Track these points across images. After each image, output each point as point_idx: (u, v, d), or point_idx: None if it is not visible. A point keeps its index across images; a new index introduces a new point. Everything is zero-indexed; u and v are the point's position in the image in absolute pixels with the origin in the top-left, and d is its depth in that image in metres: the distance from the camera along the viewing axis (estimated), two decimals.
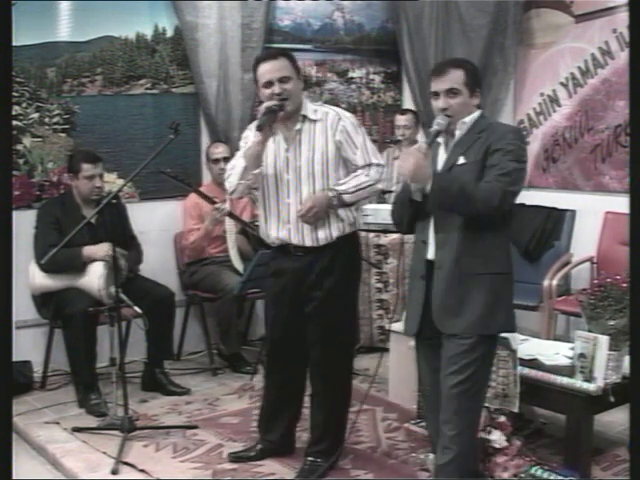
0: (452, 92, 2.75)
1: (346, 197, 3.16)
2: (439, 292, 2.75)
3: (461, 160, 2.74)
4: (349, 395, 3.46)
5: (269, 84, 3.13)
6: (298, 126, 3.19)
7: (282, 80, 3.12)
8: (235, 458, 3.49)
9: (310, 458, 3.36)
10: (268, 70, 3.13)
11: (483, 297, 2.70)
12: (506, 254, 2.79)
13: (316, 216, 3.13)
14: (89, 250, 4.16)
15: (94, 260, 4.16)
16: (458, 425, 2.72)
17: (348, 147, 3.19)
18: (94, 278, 4.13)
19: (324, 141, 3.17)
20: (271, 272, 3.39)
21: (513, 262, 4.94)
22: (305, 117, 3.20)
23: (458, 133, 2.80)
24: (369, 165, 3.21)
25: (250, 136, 3.27)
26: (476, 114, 2.80)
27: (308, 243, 3.20)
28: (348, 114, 3.28)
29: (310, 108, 3.23)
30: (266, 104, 3.12)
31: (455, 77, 2.75)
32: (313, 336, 3.29)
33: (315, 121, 3.20)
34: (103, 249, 4.12)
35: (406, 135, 5.21)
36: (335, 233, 3.21)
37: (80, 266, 4.16)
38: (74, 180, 4.28)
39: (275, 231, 3.25)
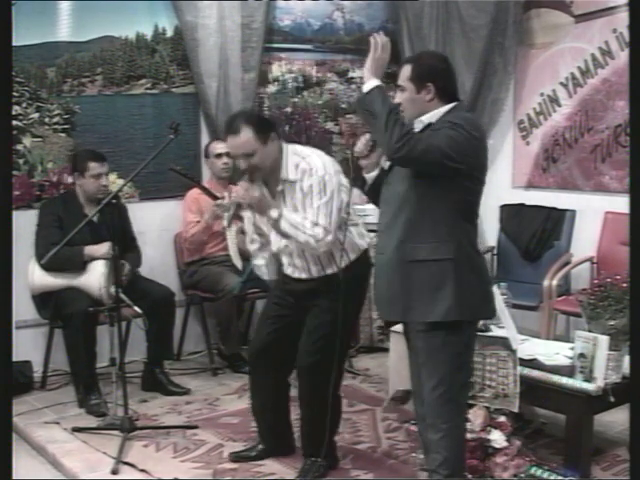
0: (400, 88, 2.73)
1: (281, 222, 3.09)
2: (378, 278, 2.75)
3: None
4: (339, 409, 3.42)
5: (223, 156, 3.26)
6: (280, 187, 3.19)
7: (246, 155, 3.11)
8: (236, 458, 3.50)
9: (310, 458, 3.36)
10: (231, 146, 3.15)
11: (422, 284, 2.62)
12: (455, 240, 2.62)
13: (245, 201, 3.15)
14: (90, 249, 4.17)
15: (94, 259, 4.17)
16: (441, 429, 2.67)
17: (306, 201, 3.14)
18: (94, 277, 4.14)
19: (302, 204, 3.15)
20: (277, 286, 3.46)
21: (513, 262, 5.05)
22: (285, 180, 3.18)
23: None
24: (316, 224, 3.11)
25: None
26: (440, 110, 2.68)
27: (304, 276, 3.26)
28: (321, 172, 3.13)
29: (291, 166, 3.17)
30: (233, 200, 3.21)
31: (403, 73, 2.72)
32: (301, 351, 3.30)
33: (294, 182, 3.16)
34: (104, 248, 4.13)
35: None
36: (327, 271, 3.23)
37: (81, 265, 4.17)
38: (79, 179, 4.28)
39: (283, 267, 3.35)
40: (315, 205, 3.11)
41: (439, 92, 2.68)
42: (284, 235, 3.14)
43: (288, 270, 3.32)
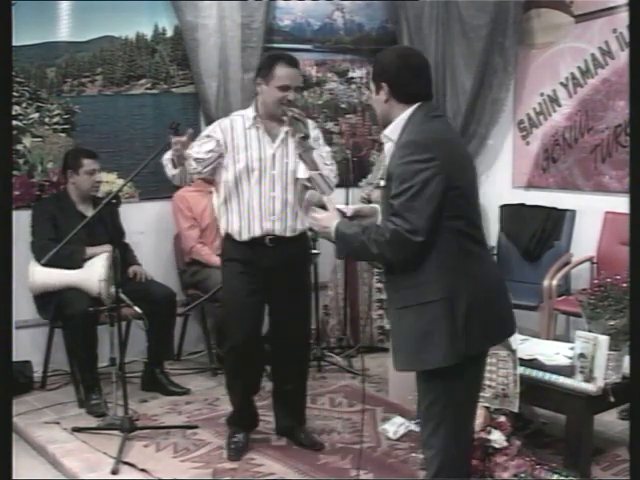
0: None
1: (313, 152, 3.35)
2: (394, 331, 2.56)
3: (382, 183, 2.48)
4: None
5: (286, 88, 3.32)
6: (286, 127, 3.38)
7: (297, 89, 3.40)
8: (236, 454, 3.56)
9: (302, 435, 3.65)
10: (290, 75, 3.34)
11: (414, 330, 2.39)
12: (437, 279, 2.35)
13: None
14: (92, 250, 4.20)
15: (92, 257, 4.18)
16: (432, 447, 2.49)
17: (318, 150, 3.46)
18: (93, 273, 4.12)
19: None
20: (239, 265, 3.48)
21: (513, 262, 5.05)
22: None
23: (387, 147, 2.53)
24: (332, 164, 3.51)
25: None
26: (402, 117, 2.46)
27: (289, 233, 3.45)
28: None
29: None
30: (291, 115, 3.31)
31: (371, 71, 2.59)
32: (293, 322, 3.54)
33: None
34: (105, 248, 4.15)
35: None
36: (307, 223, 3.42)
37: (81, 263, 4.18)
38: (73, 176, 4.33)
39: (257, 223, 3.41)
40: (325, 150, 3.52)
41: (394, 92, 2.46)
42: (313, 165, 3.33)
43: (276, 227, 3.42)
